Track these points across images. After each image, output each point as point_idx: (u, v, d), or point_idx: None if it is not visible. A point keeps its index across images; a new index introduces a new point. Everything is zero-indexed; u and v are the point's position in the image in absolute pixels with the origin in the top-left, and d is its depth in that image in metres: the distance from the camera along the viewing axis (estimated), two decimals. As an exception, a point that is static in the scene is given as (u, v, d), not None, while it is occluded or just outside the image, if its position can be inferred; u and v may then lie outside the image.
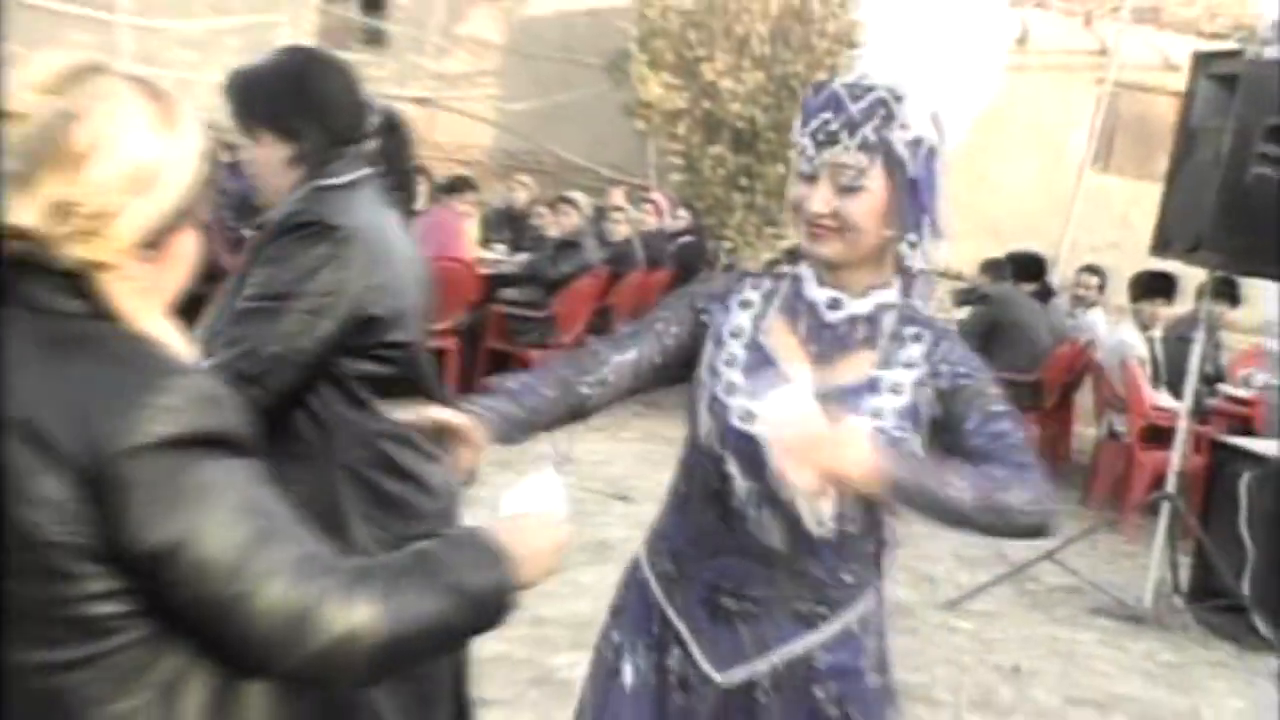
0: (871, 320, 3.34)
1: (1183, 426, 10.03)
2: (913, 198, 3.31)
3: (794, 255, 3.51)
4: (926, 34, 3.44)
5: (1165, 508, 9.93)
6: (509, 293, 14.05)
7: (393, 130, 4.55)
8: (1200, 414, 12.30)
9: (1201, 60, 9.97)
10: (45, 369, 2.14)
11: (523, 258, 14.82)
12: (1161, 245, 9.87)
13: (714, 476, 3.34)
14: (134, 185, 2.21)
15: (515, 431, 3.31)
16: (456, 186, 15.29)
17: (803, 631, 3.40)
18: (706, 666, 3.42)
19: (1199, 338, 10.09)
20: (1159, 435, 11.34)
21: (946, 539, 11.19)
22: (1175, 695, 8.54)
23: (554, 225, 14.95)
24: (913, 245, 3.34)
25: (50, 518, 2.10)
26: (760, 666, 3.40)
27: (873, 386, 3.32)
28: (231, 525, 2.19)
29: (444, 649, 3.10)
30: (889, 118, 3.26)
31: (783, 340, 3.37)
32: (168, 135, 2.25)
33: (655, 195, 16.88)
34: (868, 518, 3.42)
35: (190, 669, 2.25)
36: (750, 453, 3.27)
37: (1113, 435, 13.14)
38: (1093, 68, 22.06)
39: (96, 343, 2.20)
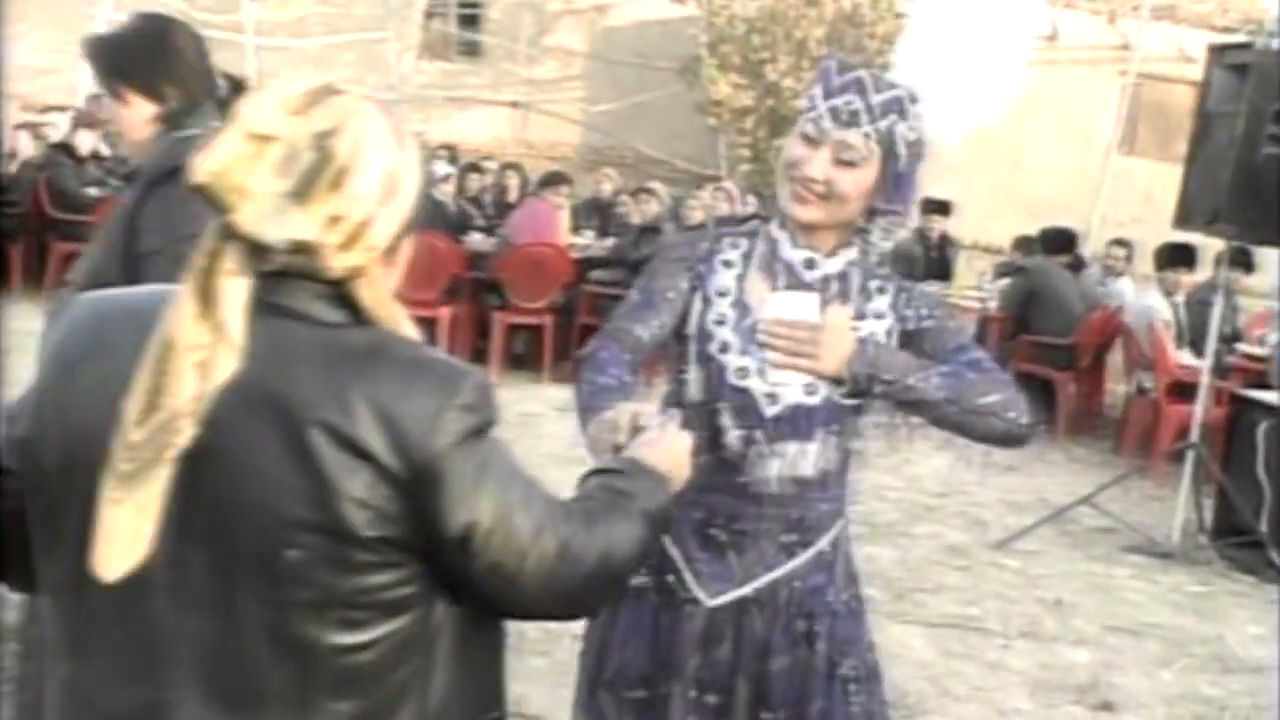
0: (843, 277, 3.37)
1: (1205, 382, 10.00)
2: (895, 188, 3.34)
3: (764, 216, 3.54)
4: (963, 30, 3.46)
5: (1190, 455, 9.91)
6: (598, 274, 14.08)
7: (238, 91, 4.58)
8: (1220, 371, 12.26)
9: (1216, 52, 9.95)
10: (335, 375, 2.14)
11: (609, 243, 14.85)
12: (1183, 219, 9.84)
13: (706, 427, 3.34)
14: (386, 194, 2.23)
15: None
16: (551, 180, 15.33)
17: (785, 560, 3.43)
18: (697, 590, 3.44)
19: (1218, 302, 10.08)
20: (1183, 390, 11.30)
21: (994, 487, 11.23)
22: (1201, 623, 8.51)
23: (636, 213, 14.98)
24: (882, 229, 3.41)
25: (364, 516, 2.12)
26: (745, 591, 3.42)
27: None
28: (518, 495, 2.24)
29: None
30: (902, 116, 3.29)
31: (764, 298, 3.38)
32: (403, 146, 2.27)
33: (727, 184, 16.87)
34: (845, 454, 3.47)
35: (444, 624, 2.28)
36: (744, 405, 3.32)
37: (1141, 391, 13.10)
38: (1116, 61, 21.96)
39: (381, 349, 2.20)
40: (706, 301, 3.40)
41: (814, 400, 3.30)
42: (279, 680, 2.18)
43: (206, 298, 2.14)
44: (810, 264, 3.37)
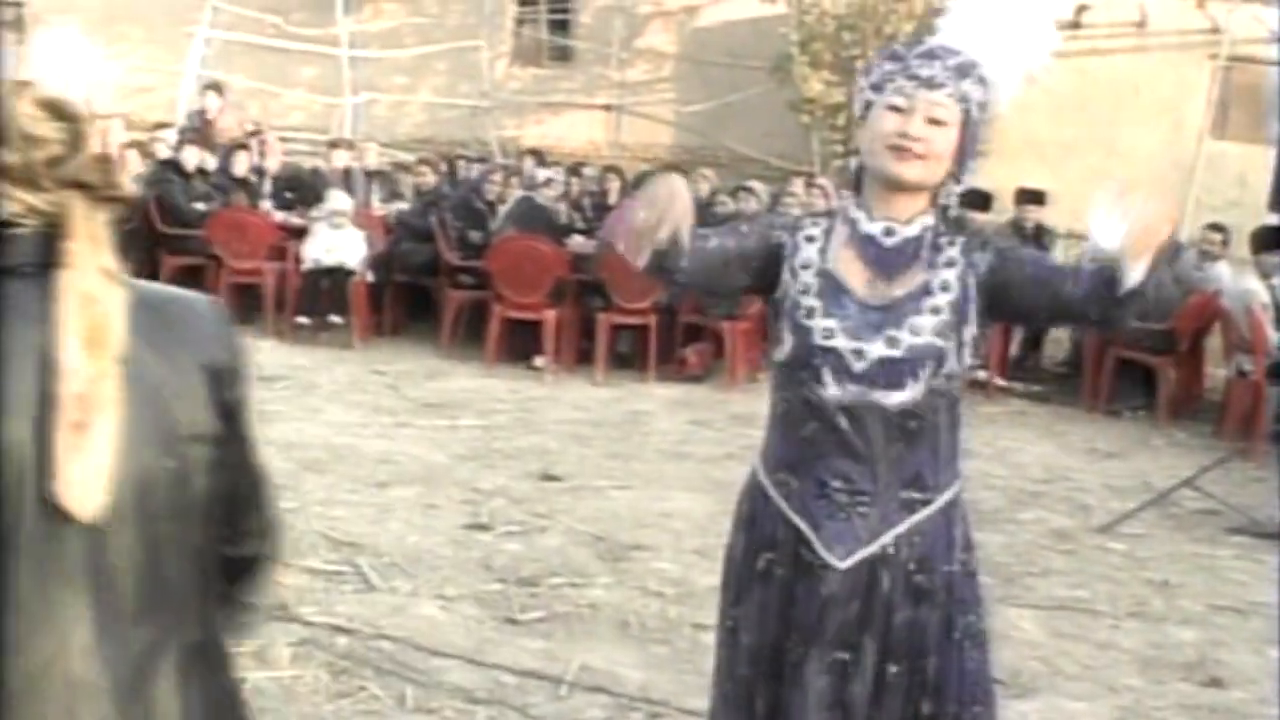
0: (919, 240, 3.60)
1: (1302, 362, 10.11)
2: (971, 147, 3.60)
3: (854, 190, 3.75)
4: (997, 16, 3.69)
5: (1289, 435, 10.02)
6: (699, 273, 14.23)
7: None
8: (1320, 351, 12.35)
9: (1307, 35, 10.06)
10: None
11: (709, 241, 15.01)
12: (1278, 201, 9.96)
13: (805, 389, 3.56)
14: None
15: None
16: (646, 180, 15.50)
17: (906, 516, 3.61)
18: (826, 555, 3.60)
19: (1314, 284, 10.17)
20: (1282, 372, 11.38)
21: (1097, 472, 11.35)
22: (1307, 600, 8.63)
23: (736, 211, 15.15)
24: (957, 183, 3.66)
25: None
26: (873, 549, 3.60)
27: (927, 290, 3.58)
28: None
29: None
30: (977, 78, 3.54)
31: (849, 267, 3.60)
32: None
33: (822, 180, 16.99)
34: (949, 412, 3.66)
35: None
36: (836, 363, 3.53)
37: (1241, 374, 13.15)
38: (1206, 45, 21.88)
39: None
40: (794, 273, 3.62)
41: (897, 352, 3.50)
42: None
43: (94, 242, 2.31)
44: (889, 232, 3.61)
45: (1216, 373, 14.53)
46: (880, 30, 19.11)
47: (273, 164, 17.08)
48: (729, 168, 20.49)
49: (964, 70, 3.56)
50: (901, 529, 3.60)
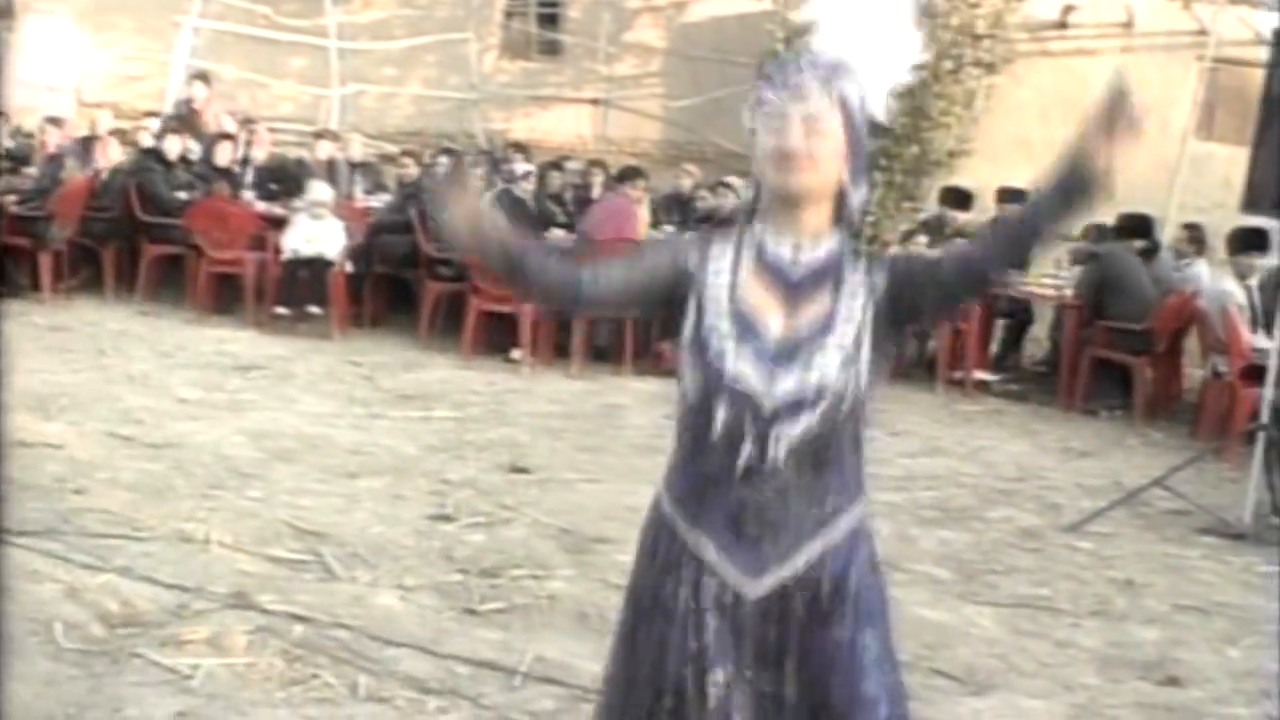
0: (825, 267, 3.54)
1: (1273, 363, 10.09)
2: (858, 148, 3.55)
3: (748, 214, 3.72)
4: (860, 35, 3.68)
5: (1261, 436, 10.01)
6: (677, 267, 14.24)
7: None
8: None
9: (1280, 36, 10.08)
10: None
11: (689, 236, 15.03)
12: (1251, 203, 9.97)
13: (711, 424, 3.49)
14: None
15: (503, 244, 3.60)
16: (627, 175, 15.51)
17: (816, 541, 3.55)
18: (737, 584, 3.55)
19: (1287, 284, 10.18)
20: (1259, 373, 11.33)
21: (1069, 471, 11.36)
22: (1271, 601, 8.57)
23: (713, 206, 15.20)
24: (857, 191, 3.59)
25: None
26: (784, 575, 3.54)
27: (834, 321, 3.52)
28: None
29: None
30: (846, 78, 3.51)
31: (758, 301, 3.54)
32: None
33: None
34: (854, 437, 3.60)
35: None
36: (745, 401, 3.47)
37: (1217, 375, 13.17)
38: (1193, 46, 21.92)
39: None
40: (701, 310, 3.56)
41: (806, 388, 3.47)
42: None
43: None
44: (796, 252, 3.55)
45: (1195, 373, 14.55)
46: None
47: (259, 154, 17.10)
48: (716, 163, 20.47)
49: (834, 72, 3.52)
50: (812, 554, 3.58)
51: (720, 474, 3.52)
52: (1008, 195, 15.77)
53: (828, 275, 3.55)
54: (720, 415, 3.49)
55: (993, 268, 3.58)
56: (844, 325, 3.51)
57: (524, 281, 3.64)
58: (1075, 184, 3.40)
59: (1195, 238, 15.16)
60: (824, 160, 3.49)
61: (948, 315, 3.83)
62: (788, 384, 3.46)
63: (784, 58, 3.63)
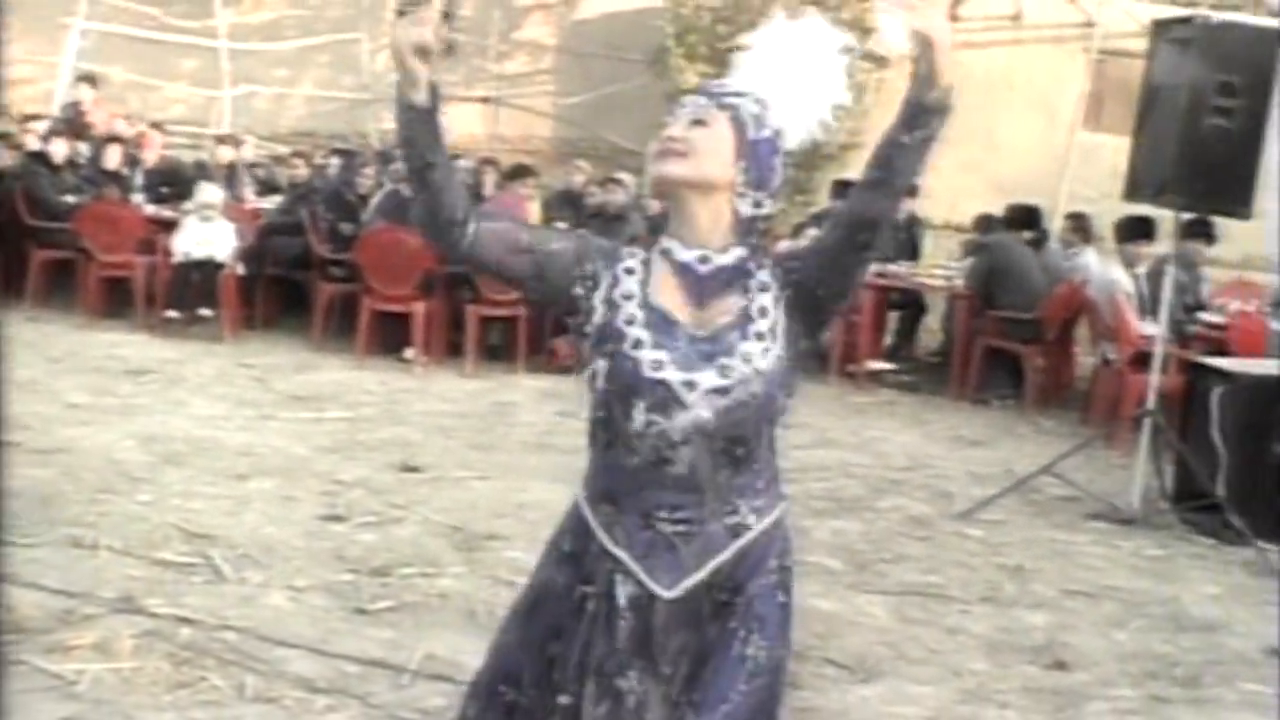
0: (734, 268, 3.53)
1: (1159, 350, 10.23)
2: (754, 160, 3.54)
3: (658, 228, 3.73)
4: (788, 66, 3.68)
5: (1148, 422, 10.12)
6: (569, 265, 14.22)
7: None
8: (1183, 340, 12.50)
9: (1159, 26, 10.21)
10: None
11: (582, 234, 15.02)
12: (1132, 191, 10.10)
13: (628, 423, 3.49)
14: None
15: (434, 116, 3.47)
16: (517, 173, 15.52)
17: (732, 541, 3.54)
18: (652, 585, 3.53)
19: (1169, 271, 10.28)
20: (1147, 360, 11.43)
21: (961, 460, 11.44)
22: (1159, 585, 8.71)
23: (604, 202, 15.21)
24: (753, 202, 3.57)
25: None
26: (701, 576, 3.53)
27: (748, 316, 3.52)
28: None
29: None
30: (744, 99, 3.54)
31: (672, 298, 3.53)
32: None
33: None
34: (771, 436, 3.60)
35: None
36: (666, 394, 3.45)
37: (1106, 362, 13.30)
38: (1080, 38, 22.15)
39: None
40: (613, 305, 3.54)
41: (728, 381, 3.47)
42: None
43: None
44: (704, 260, 3.54)
45: (1087, 361, 14.68)
46: (756, 22, 19.02)
47: (150, 158, 16.96)
48: (608, 160, 20.50)
49: (732, 94, 3.55)
50: (728, 554, 3.57)
51: (638, 473, 3.50)
52: (844, 187, 15.94)
53: (737, 276, 3.56)
54: (639, 408, 3.48)
55: (872, 203, 3.50)
56: (760, 319, 3.51)
57: (427, 177, 3.48)
58: (916, 99, 3.42)
59: (1080, 227, 15.33)
60: (703, 153, 3.49)
61: (849, 285, 3.78)
62: (710, 375, 3.46)
63: (696, 89, 3.65)
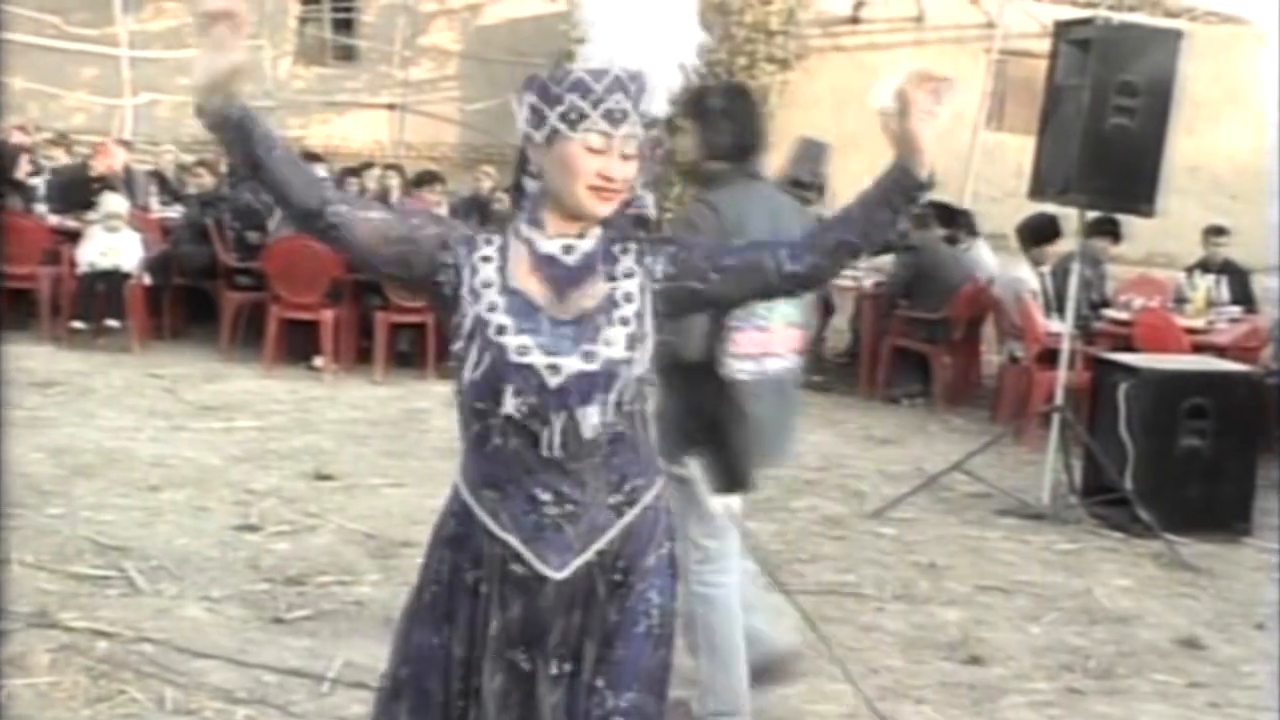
0: (596, 253, 3.54)
1: (1065, 347, 10.35)
2: (646, 158, 3.55)
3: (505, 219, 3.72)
4: (639, 34, 3.59)
5: (1056, 418, 10.23)
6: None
7: None
8: (1089, 336, 12.63)
9: (1061, 27, 10.35)
10: None
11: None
12: (1037, 190, 10.21)
13: (498, 407, 3.48)
14: None
15: (244, 121, 3.40)
16: (424, 180, 15.54)
17: (616, 519, 3.57)
18: (542, 567, 3.55)
19: (1075, 269, 10.38)
20: (1054, 357, 11.53)
21: (873, 459, 11.52)
22: (1071, 578, 8.81)
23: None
24: (641, 197, 3.61)
25: None
26: (588, 556, 3.56)
27: (613, 301, 3.52)
28: None
29: None
30: (649, 92, 3.51)
31: (532, 284, 3.52)
32: None
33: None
34: (644, 415, 3.63)
35: None
36: (531, 379, 3.45)
37: (1013, 360, 13.43)
38: (981, 39, 22.35)
39: None
40: (475, 293, 3.52)
41: (593, 365, 3.49)
42: None
43: None
44: (568, 250, 3.54)
45: (992, 359, 14.82)
46: (660, 26, 19.23)
47: (51, 167, 16.84)
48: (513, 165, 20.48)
49: (640, 90, 3.50)
50: (613, 533, 3.60)
51: (514, 455, 3.52)
52: (800, 188, 15.97)
53: (601, 260, 3.56)
54: (509, 394, 3.47)
55: (822, 267, 3.56)
56: (625, 305, 3.52)
57: (263, 177, 3.45)
58: (904, 178, 3.48)
59: (966, 223, 15.48)
60: (630, 184, 3.51)
61: (737, 306, 3.82)
62: (574, 360, 3.47)
63: (592, 65, 3.53)
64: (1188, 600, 8.57)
